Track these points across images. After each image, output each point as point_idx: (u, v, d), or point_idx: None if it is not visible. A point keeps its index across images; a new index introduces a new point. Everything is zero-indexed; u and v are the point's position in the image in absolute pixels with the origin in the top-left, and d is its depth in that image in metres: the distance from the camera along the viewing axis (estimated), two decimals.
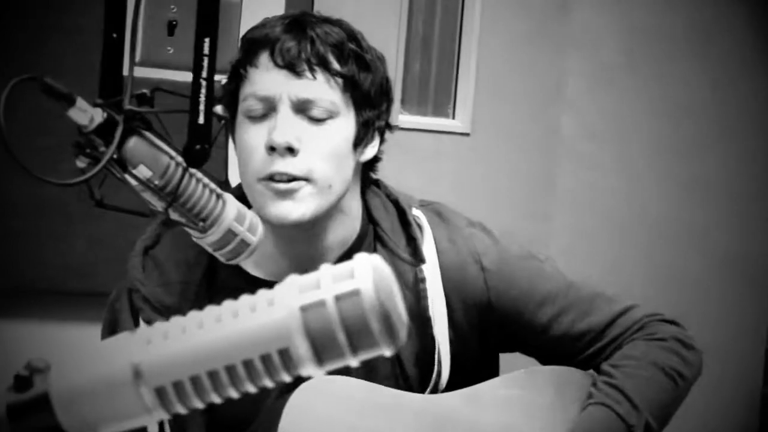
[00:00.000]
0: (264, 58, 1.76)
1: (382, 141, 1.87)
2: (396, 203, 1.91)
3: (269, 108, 1.76)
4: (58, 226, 2.93)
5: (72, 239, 2.84)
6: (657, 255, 3.56)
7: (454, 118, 3.37)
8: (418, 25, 3.42)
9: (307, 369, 0.83)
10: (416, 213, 1.91)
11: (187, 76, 2.98)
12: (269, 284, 1.81)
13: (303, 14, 1.81)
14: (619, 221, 3.52)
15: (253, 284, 1.83)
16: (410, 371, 1.84)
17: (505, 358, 2.01)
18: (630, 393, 1.87)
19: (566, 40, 3.45)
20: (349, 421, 1.76)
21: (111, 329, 1.89)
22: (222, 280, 1.85)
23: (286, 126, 1.74)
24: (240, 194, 1.81)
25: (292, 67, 1.74)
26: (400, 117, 3.23)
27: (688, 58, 3.57)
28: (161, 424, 1.83)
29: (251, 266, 1.86)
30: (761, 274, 3.62)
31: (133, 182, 1.30)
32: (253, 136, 1.76)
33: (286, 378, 0.84)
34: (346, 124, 1.78)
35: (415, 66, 3.39)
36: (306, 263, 1.84)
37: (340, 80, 1.77)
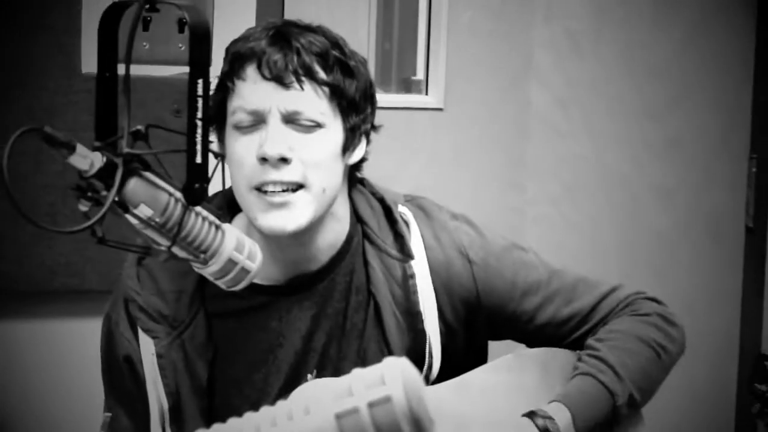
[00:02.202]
0: (251, 70, 1.78)
1: (368, 142, 1.90)
2: (382, 201, 1.95)
3: (259, 120, 1.78)
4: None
5: (56, 240, 2.83)
6: (627, 217, 3.60)
7: (427, 94, 3.39)
8: (388, 4, 3.42)
9: None
10: (402, 210, 1.95)
11: (162, 71, 2.94)
12: (261, 289, 1.87)
13: (285, 24, 1.83)
14: (590, 186, 3.55)
15: (245, 289, 1.87)
16: None
17: (494, 344, 2.05)
18: (614, 363, 1.91)
19: (534, 11, 3.45)
20: None
21: (108, 340, 1.92)
22: (214, 287, 1.87)
23: (277, 137, 1.76)
24: (223, 203, 1.85)
25: (279, 79, 1.76)
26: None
27: (653, 21, 3.58)
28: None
29: None
30: (729, 232, 3.67)
31: (135, 221, 1.32)
32: (244, 147, 1.78)
33: None
34: (334, 131, 1.81)
35: (385, 44, 3.39)
36: (298, 267, 1.88)
37: (326, 89, 1.79)
